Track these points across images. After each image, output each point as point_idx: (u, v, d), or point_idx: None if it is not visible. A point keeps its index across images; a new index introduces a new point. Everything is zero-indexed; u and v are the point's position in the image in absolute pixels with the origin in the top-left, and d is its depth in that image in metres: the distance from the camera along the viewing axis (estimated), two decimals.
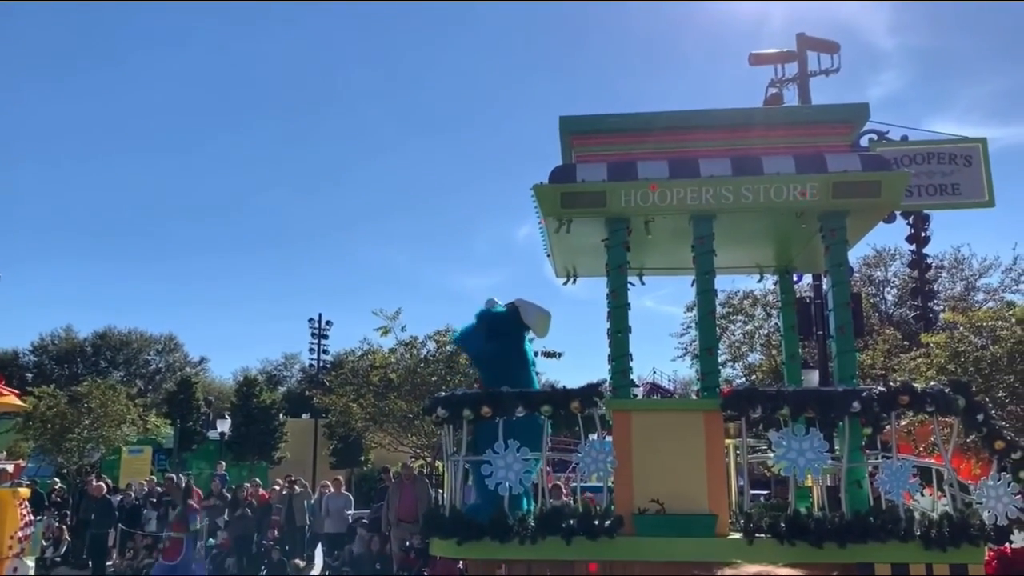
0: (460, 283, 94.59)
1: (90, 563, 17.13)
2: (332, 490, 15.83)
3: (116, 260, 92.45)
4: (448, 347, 20.15)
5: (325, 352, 38.20)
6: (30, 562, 12.42)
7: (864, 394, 6.15)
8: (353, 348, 23.75)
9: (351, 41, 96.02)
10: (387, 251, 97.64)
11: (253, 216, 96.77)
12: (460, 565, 11.53)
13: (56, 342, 66.73)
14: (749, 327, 29.91)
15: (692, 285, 6.90)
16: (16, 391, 13.61)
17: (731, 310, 29.40)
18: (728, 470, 7.31)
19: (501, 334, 7.26)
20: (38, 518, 15.21)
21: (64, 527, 19.00)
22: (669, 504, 6.01)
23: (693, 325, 26.20)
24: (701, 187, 6.51)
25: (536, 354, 7.79)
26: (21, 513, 12.23)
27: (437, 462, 19.50)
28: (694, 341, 28.10)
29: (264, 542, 15.15)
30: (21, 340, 69.68)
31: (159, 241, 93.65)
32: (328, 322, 38.29)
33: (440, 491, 14.62)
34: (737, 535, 6.16)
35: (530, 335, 7.52)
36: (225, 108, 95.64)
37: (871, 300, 31.67)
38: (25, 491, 13.08)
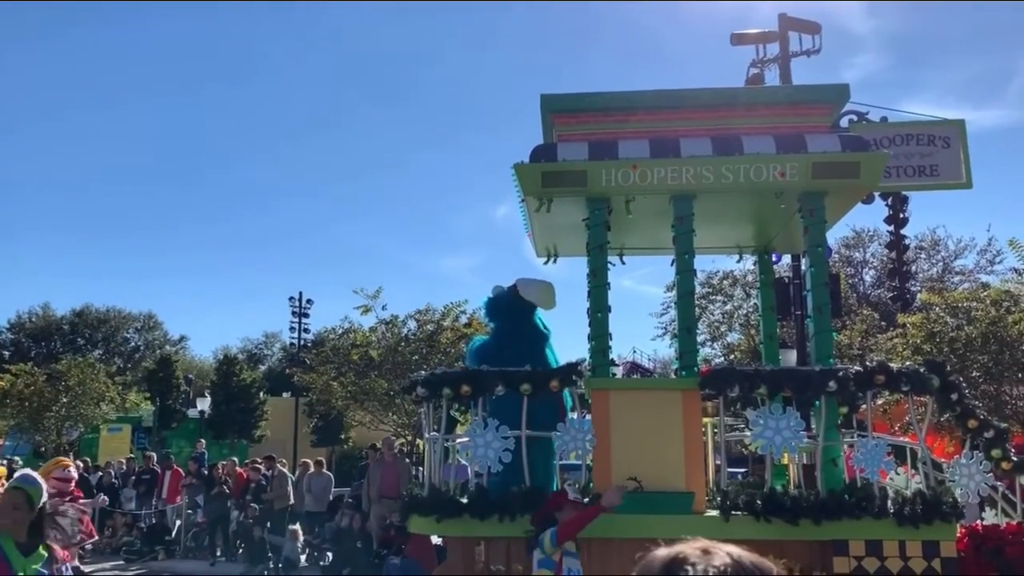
0: (440, 264, 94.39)
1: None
2: (313, 470, 15.83)
3: (93, 236, 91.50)
4: (428, 327, 20.14)
5: (306, 331, 38.07)
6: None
7: (840, 374, 6.22)
8: (334, 326, 23.65)
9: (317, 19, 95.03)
10: (367, 231, 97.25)
11: (233, 194, 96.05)
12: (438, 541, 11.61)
13: (33, 320, 66.09)
14: (728, 307, 30.10)
15: (672, 265, 6.92)
16: None
17: (711, 290, 29.56)
18: (706, 448, 7.38)
19: (501, 316, 7.24)
20: None
21: None
22: (647, 482, 6.06)
23: (673, 305, 26.34)
24: (682, 167, 6.52)
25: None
26: None
27: (418, 440, 19.54)
28: (674, 321, 28.24)
29: (243, 520, 15.14)
30: None
31: (137, 217, 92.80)
32: (309, 301, 38.15)
33: (421, 469, 14.68)
34: (714, 512, 6.23)
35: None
36: (210, 86, 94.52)
37: (849, 281, 31.93)
38: (2, 469, 12.99)
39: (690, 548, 1.23)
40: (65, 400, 27.70)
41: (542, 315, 7.65)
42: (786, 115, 7.00)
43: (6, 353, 56.41)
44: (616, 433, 6.24)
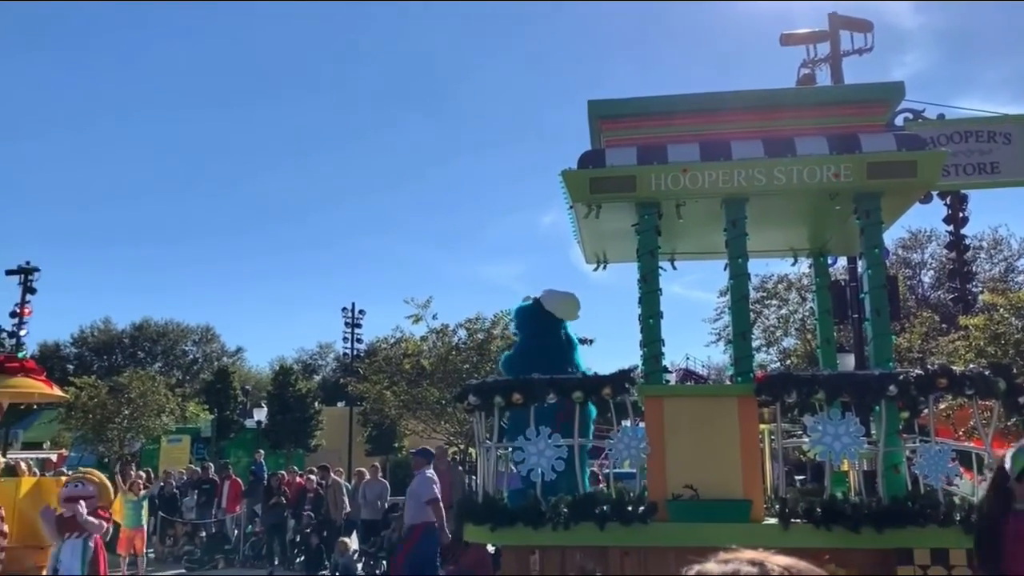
0: (486, 272, 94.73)
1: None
2: (368, 477, 15.95)
3: (153, 253, 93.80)
4: (479, 335, 20.20)
5: (359, 341, 38.43)
6: None
7: (901, 377, 6.06)
8: (386, 336, 23.85)
9: (372, 39, 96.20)
10: (415, 240, 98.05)
11: (281, 204, 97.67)
12: (492, 551, 11.60)
13: (95, 334, 67.91)
14: (783, 311, 29.65)
15: (725, 269, 6.83)
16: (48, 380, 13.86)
17: (765, 294, 29.15)
18: (763, 455, 7.25)
19: (527, 327, 7.28)
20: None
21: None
22: (703, 490, 5.96)
23: (726, 310, 25.98)
24: (733, 170, 6.43)
25: (589, 341, 7.84)
26: None
27: (470, 449, 19.58)
28: (727, 326, 27.88)
29: (303, 530, 15.34)
30: (61, 332, 71.00)
31: (196, 235, 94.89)
32: (361, 311, 38.51)
33: (473, 477, 14.69)
34: (773, 520, 6.11)
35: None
36: (255, 97, 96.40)
37: (907, 283, 31.20)
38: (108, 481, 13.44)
39: (745, 565, 1.19)
40: (127, 412, 28.39)
41: (570, 326, 7.64)
42: (839, 115, 6.87)
43: (70, 367, 58.05)
44: (671, 441, 6.16)
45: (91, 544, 8.28)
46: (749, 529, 5.89)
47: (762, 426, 7.34)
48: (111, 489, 10.71)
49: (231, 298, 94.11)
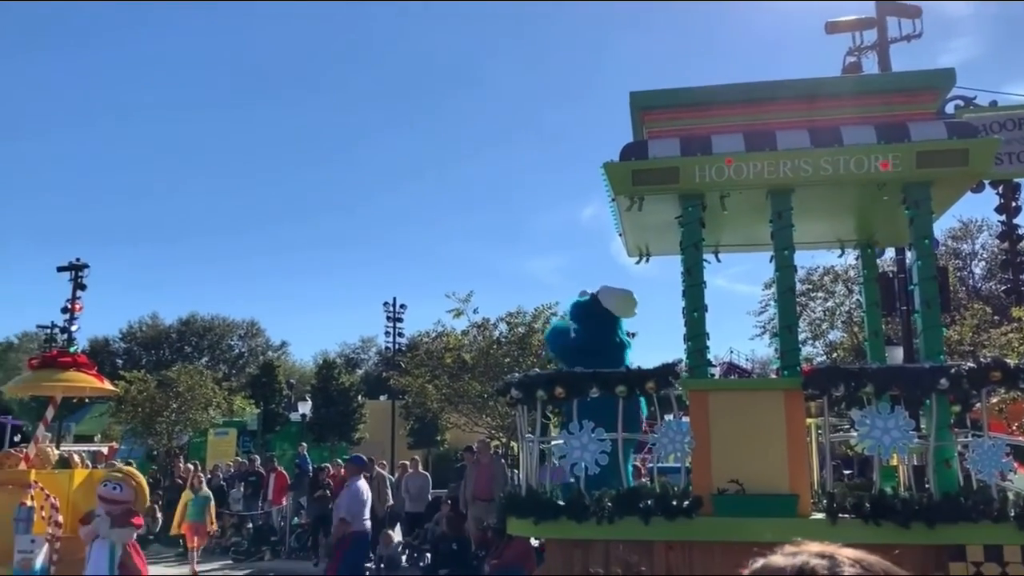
0: (526, 265, 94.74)
1: (180, 540, 17.79)
2: (411, 470, 16.07)
3: (198, 248, 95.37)
4: (520, 329, 20.21)
5: (400, 335, 38.77)
6: None
7: (952, 371, 5.93)
8: (427, 330, 23.98)
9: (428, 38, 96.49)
10: (454, 234, 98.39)
11: (322, 199, 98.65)
12: (536, 544, 11.61)
13: (143, 329, 69.29)
14: (830, 304, 29.18)
15: (770, 261, 6.74)
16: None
17: (811, 287, 28.70)
18: (809, 450, 7.15)
19: (583, 322, 7.25)
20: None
21: (156, 506, 19.76)
22: (749, 484, 5.90)
23: (771, 303, 25.69)
24: (778, 160, 6.34)
25: (632, 334, 7.80)
26: None
27: (512, 443, 19.62)
28: (772, 319, 27.56)
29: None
30: (111, 328, 72.56)
31: (240, 229, 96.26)
32: (402, 306, 38.81)
33: (516, 471, 14.72)
34: (820, 515, 6.03)
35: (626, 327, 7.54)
36: (293, 90, 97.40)
37: (958, 274, 30.56)
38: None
39: (814, 558, 1.16)
40: (175, 406, 28.92)
41: (624, 325, 7.60)
42: (887, 103, 6.73)
43: (119, 361, 59.34)
44: (716, 435, 6.11)
45: (119, 546, 8.10)
46: (796, 524, 5.81)
47: (808, 420, 7.24)
48: (147, 494, 10.84)
49: (275, 293, 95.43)
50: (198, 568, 13.96)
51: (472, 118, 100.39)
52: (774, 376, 8.67)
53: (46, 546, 11.40)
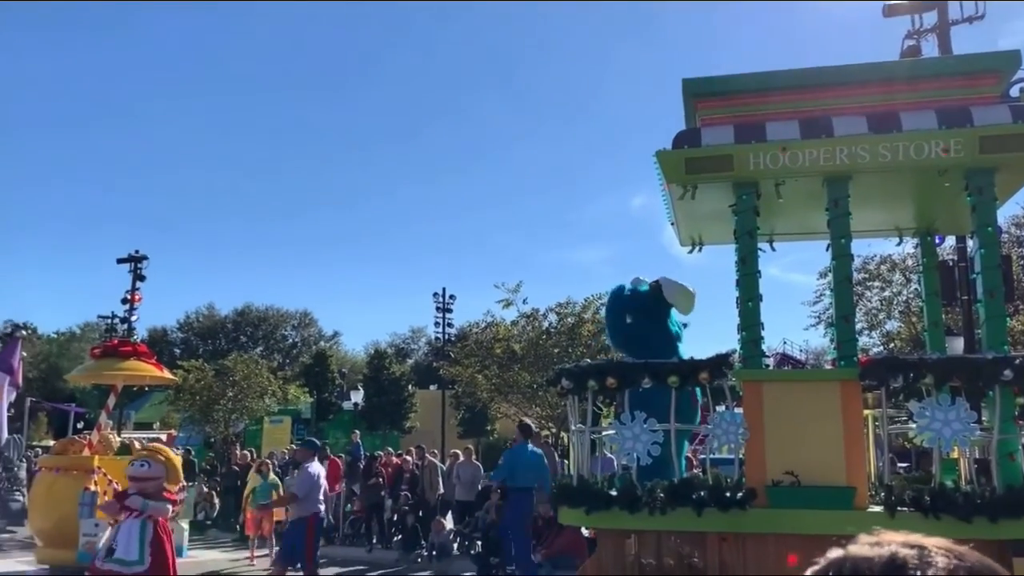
0: (576, 257, 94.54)
1: (238, 526, 18.18)
2: (462, 459, 16.17)
3: (253, 238, 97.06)
4: (569, 319, 20.17)
5: (450, 325, 38.87)
6: (184, 524, 13.29)
7: (1017, 361, 5.77)
8: (477, 321, 24.08)
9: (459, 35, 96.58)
10: (503, 225, 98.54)
11: (377, 202, 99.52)
12: (587, 534, 11.61)
13: (200, 319, 70.79)
14: (887, 293, 28.56)
15: (827, 250, 6.63)
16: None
17: (867, 276, 28.10)
18: (866, 441, 7.03)
19: (642, 312, 7.19)
20: (190, 484, 16.22)
21: (214, 492, 20.21)
22: (804, 476, 5.83)
23: (827, 292, 25.20)
24: (835, 147, 6.22)
25: (685, 325, 7.73)
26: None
27: (562, 433, 19.62)
28: (828, 309, 27.04)
29: (400, 509, 15.68)
30: (168, 318, 74.28)
31: (294, 224, 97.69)
32: (451, 296, 38.91)
33: (566, 461, 14.73)
34: (877, 508, 5.92)
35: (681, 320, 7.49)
36: (345, 81, 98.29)
37: (1021, 262, 29.65)
38: (178, 458, 13.95)
39: (902, 548, 1.11)
40: (231, 394, 29.50)
41: (676, 319, 7.53)
42: (949, 87, 6.55)
43: (177, 351, 60.74)
44: (770, 426, 6.03)
45: (150, 524, 7.67)
46: (853, 516, 5.73)
47: (865, 412, 7.11)
48: (179, 469, 10.99)
49: (326, 284, 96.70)
50: (257, 553, 14.21)
51: (520, 107, 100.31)
52: (830, 367, 8.52)
53: (109, 530, 11.77)
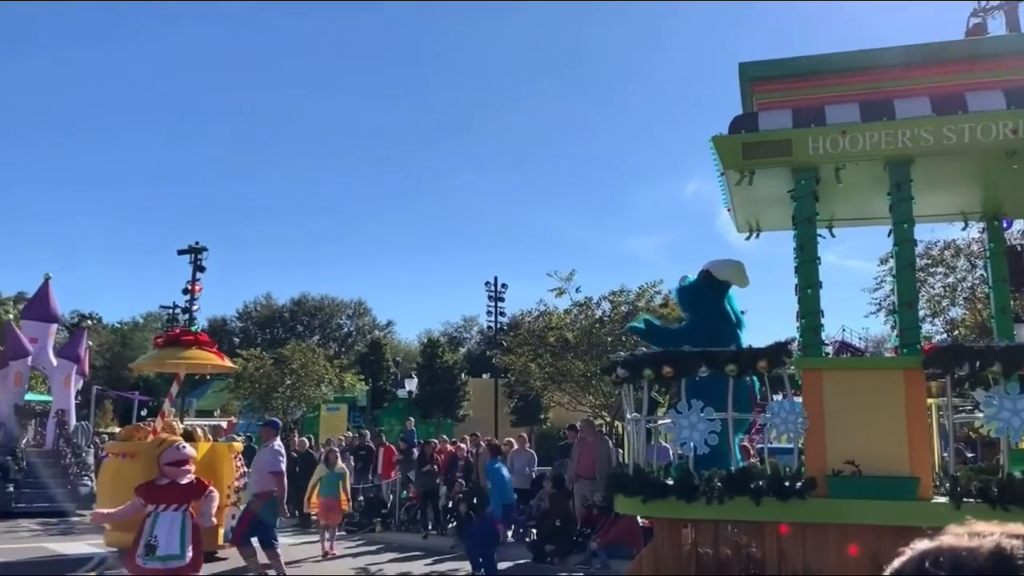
0: (629, 245, 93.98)
1: (296, 511, 18.52)
2: (516, 447, 16.23)
3: (309, 230, 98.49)
4: (623, 307, 20.05)
5: (502, 314, 39.03)
6: None
7: None
8: (529, 309, 24.07)
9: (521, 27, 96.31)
10: (555, 213, 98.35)
11: (429, 193, 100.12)
12: (642, 523, 11.57)
13: (258, 309, 72.12)
14: (950, 279, 27.77)
15: (888, 236, 6.47)
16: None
17: (930, 262, 27.35)
18: (930, 431, 6.87)
19: (696, 304, 7.12)
20: (251, 470, 16.54)
21: None
22: (866, 466, 5.72)
23: (888, 279, 24.62)
24: (897, 130, 6.07)
25: (743, 312, 7.65)
26: (236, 465, 13.36)
27: (617, 422, 19.57)
28: (889, 296, 26.44)
29: (454, 496, 15.81)
30: (228, 308, 75.87)
31: (348, 215, 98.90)
32: (504, 285, 39.03)
33: (620, 450, 14.69)
34: (942, 499, 5.79)
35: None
36: (396, 75, 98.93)
37: None
38: (239, 445, 14.26)
39: (1007, 539, 1.04)
40: (289, 382, 30.02)
41: (736, 304, 7.43)
42: (1017, 66, 6.33)
43: (236, 340, 61.95)
44: (830, 415, 5.93)
45: (189, 516, 7.10)
46: (916, 507, 5.62)
47: (929, 400, 6.95)
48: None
49: (380, 273, 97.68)
50: (313, 539, 14.44)
51: (572, 96, 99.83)
52: (891, 355, 8.34)
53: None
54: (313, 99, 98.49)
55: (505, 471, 11.68)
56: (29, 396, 22.35)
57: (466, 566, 12.28)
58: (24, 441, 19.78)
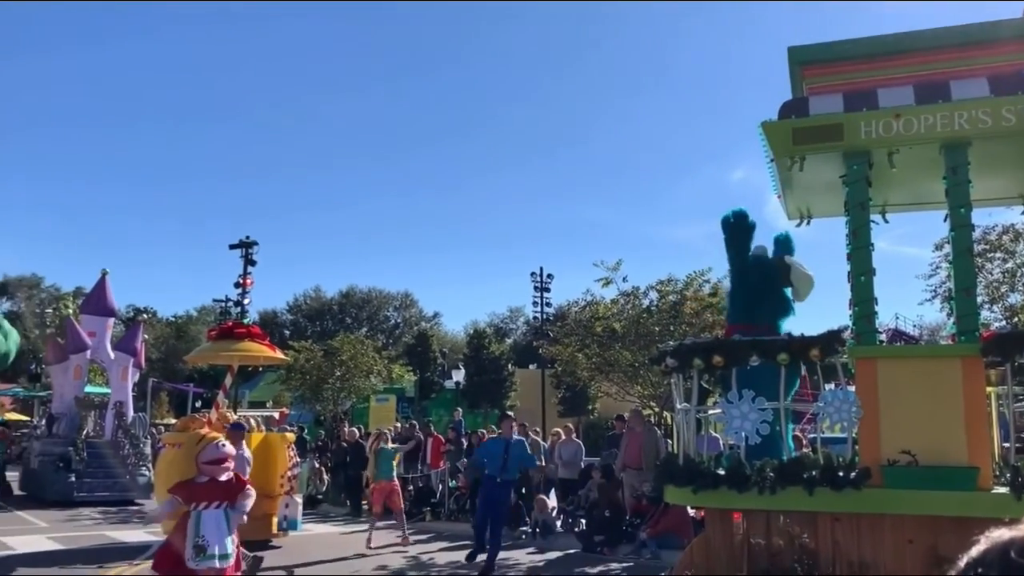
0: (675, 234, 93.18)
1: (347, 500, 18.78)
2: (564, 437, 16.23)
3: (356, 223, 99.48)
4: (671, 297, 19.87)
5: (548, 305, 38.97)
6: (299, 499, 13.77)
7: None
8: (576, 299, 23.98)
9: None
10: (599, 203, 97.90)
11: (474, 185, 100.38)
12: (693, 513, 11.51)
13: (308, 301, 73.08)
14: (1009, 265, 26.99)
15: (944, 221, 6.33)
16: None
17: (988, 247, 26.60)
18: (990, 420, 6.71)
19: (762, 277, 7.00)
20: (303, 460, 16.81)
21: (324, 468, 20.90)
22: (922, 456, 5.61)
23: (943, 265, 24.01)
24: (953, 112, 5.92)
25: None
26: (289, 455, 13.58)
27: (665, 412, 19.43)
28: (944, 283, 25.80)
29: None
30: (278, 301, 77.07)
31: (393, 208, 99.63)
32: (549, 275, 38.96)
33: (669, 441, 14.61)
34: (1002, 490, 5.66)
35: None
36: (443, 67, 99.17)
37: None
38: (291, 435, 14.48)
39: None
40: (339, 374, 30.32)
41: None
42: None
43: (287, 332, 62.88)
44: (885, 404, 5.82)
45: (230, 513, 6.99)
46: (975, 498, 5.51)
47: (988, 389, 6.78)
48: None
49: (425, 265, 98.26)
50: (364, 528, 14.60)
51: (615, 84, 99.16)
52: (948, 342, 8.16)
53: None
54: (357, 96, 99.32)
55: (506, 449, 11.17)
56: (89, 388, 22.96)
57: (515, 555, 12.34)
58: (84, 432, 20.33)
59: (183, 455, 6.64)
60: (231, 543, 6.85)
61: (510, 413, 12.58)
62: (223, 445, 7.12)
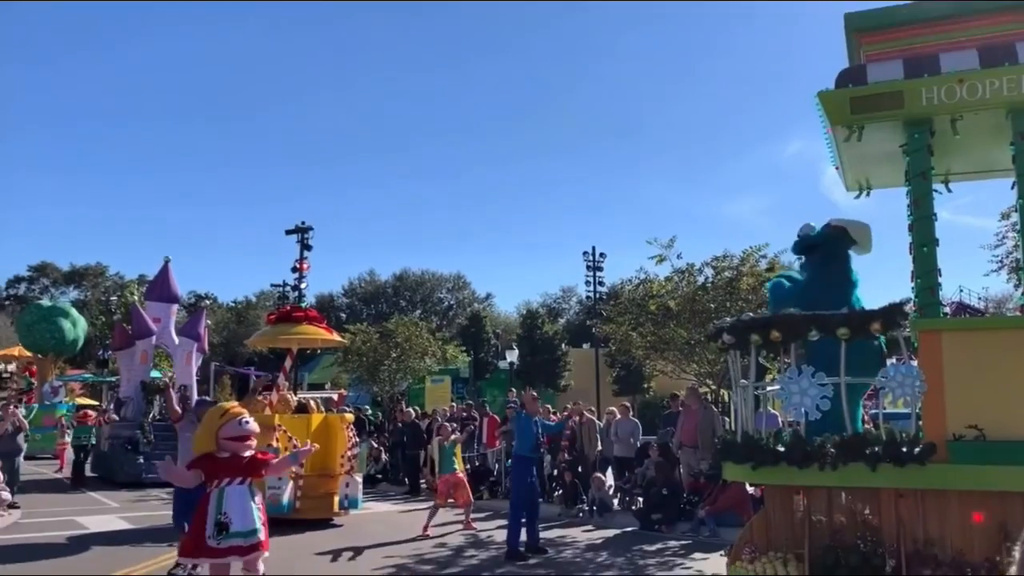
0: (729, 209, 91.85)
1: (406, 479, 19.05)
2: (619, 416, 16.19)
3: (408, 206, 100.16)
4: (727, 273, 19.62)
5: (601, 284, 38.79)
6: (358, 478, 14.00)
7: None
8: (629, 278, 23.80)
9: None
10: (650, 180, 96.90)
11: (527, 165, 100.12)
12: (752, 490, 11.41)
13: (363, 285, 73.97)
14: None
15: (1011, 188, 6.13)
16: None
17: None
18: None
19: (827, 261, 6.79)
20: (362, 440, 17.08)
21: (382, 448, 21.21)
22: (990, 430, 5.47)
23: (1011, 234, 23.28)
24: (1021, 75, 5.71)
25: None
26: (348, 435, 13.81)
27: (722, 390, 19.25)
28: (1012, 253, 25.06)
29: (559, 465, 15.92)
30: (334, 285, 78.17)
31: (445, 189, 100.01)
32: (602, 254, 38.73)
33: (726, 418, 14.47)
34: None
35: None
36: (486, 54, 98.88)
37: None
38: (350, 416, 14.71)
39: None
40: (395, 355, 30.69)
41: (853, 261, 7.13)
42: None
43: (343, 315, 63.76)
44: (950, 378, 5.68)
45: (254, 488, 6.67)
46: None
47: None
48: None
49: (477, 246, 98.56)
50: (425, 504, 14.80)
51: (667, 59, 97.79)
52: (1016, 314, 7.91)
53: (291, 484, 12.62)
54: (424, 76, 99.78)
55: (536, 426, 10.97)
56: (154, 373, 23.62)
57: (572, 533, 12.38)
58: (151, 416, 20.94)
59: (201, 428, 6.11)
60: (258, 518, 6.46)
61: (534, 392, 12.38)
62: (247, 422, 6.64)
